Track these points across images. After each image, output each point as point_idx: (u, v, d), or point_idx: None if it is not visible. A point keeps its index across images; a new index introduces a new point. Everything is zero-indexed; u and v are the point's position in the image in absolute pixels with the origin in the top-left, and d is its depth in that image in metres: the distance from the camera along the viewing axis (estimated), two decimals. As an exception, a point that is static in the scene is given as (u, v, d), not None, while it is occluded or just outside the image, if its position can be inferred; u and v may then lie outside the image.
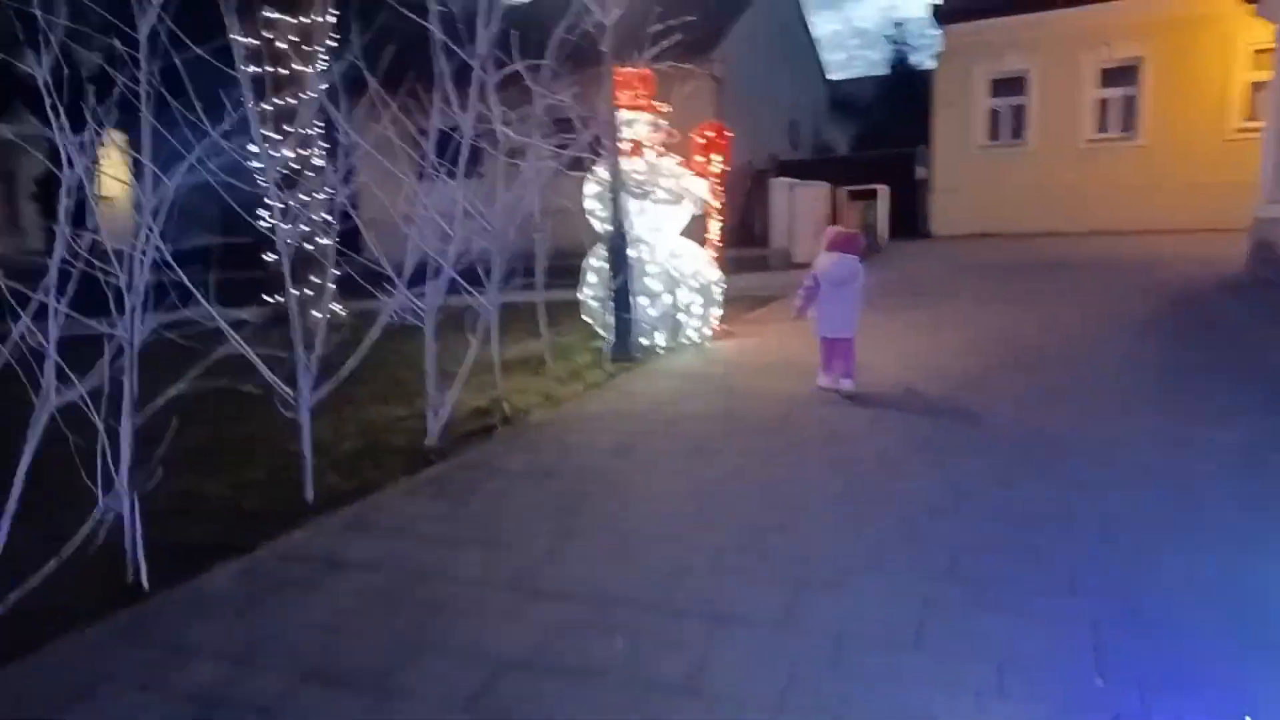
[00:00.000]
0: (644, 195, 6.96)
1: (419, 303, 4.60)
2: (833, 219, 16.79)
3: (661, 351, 7.10)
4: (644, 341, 7.12)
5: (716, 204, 7.66)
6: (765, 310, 9.39)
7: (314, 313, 9.42)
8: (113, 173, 3.69)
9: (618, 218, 6.71)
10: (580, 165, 6.90)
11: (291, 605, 2.86)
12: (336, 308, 9.58)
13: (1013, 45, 19.62)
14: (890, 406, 4.98)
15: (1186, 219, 17.05)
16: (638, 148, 7.16)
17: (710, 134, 7.46)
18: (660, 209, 7.06)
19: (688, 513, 3.46)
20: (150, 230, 3.13)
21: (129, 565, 3.10)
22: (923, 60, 35.45)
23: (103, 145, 3.37)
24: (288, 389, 3.79)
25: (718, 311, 7.57)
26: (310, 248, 9.27)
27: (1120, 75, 19.06)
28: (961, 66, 20.26)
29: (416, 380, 5.79)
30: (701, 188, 7.50)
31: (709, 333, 7.53)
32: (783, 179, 14.93)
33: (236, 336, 3.57)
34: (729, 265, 13.32)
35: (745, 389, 5.62)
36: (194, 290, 3.39)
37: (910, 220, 20.32)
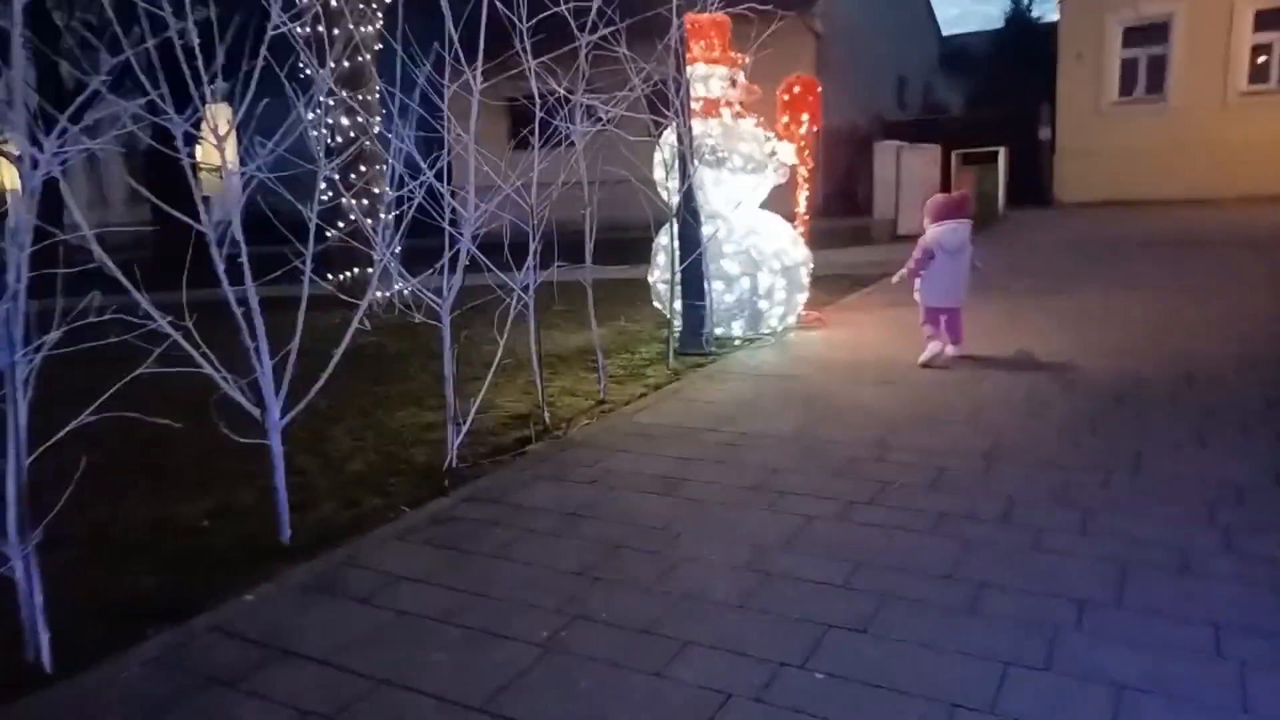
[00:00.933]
0: (718, 163, 6.02)
1: (429, 290, 3.87)
2: (944, 185, 15.36)
3: (738, 344, 6.19)
4: (718, 332, 6.23)
5: (805, 171, 6.65)
6: (865, 293, 8.32)
7: (379, 294, 8.95)
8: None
9: (687, 190, 5.80)
10: (650, 129, 6.03)
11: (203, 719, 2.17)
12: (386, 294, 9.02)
13: (1154, -13, 17.51)
14: (1018, 432, 3.96)
15: (1362, 182, 14.92)
16: (712, 107, 6.21)
17: (797, 89, 6.43)
18: (738, 179, 6.12)
19: (735, 595, 2.60)
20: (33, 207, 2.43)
21: (28, 643, 2.47)
22: (1044, 13, 32.73)
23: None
24: (253, 406, 3.10)
25: (805, 297, 6.60)
26: (370, 221, 8.82)
27: (1283, 17, 16.77)
28: (1091, 14, 18.25)
29: (487, 374, 5.13)
30: (788, 152, 6.50)
31: (794, 322, 6.57)
32: (888, 142, 13.64)
33: (183, 337, 2.89)
34: (826, 239, 12.23)
35: (831, 399, 4.68)
36: (119, 275, 2.72)
37: (1032, 186, 18.57)
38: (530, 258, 4.39)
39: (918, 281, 5.52)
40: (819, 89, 6.53)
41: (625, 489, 3.51)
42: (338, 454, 4.21)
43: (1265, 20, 16.83)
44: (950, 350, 5.43)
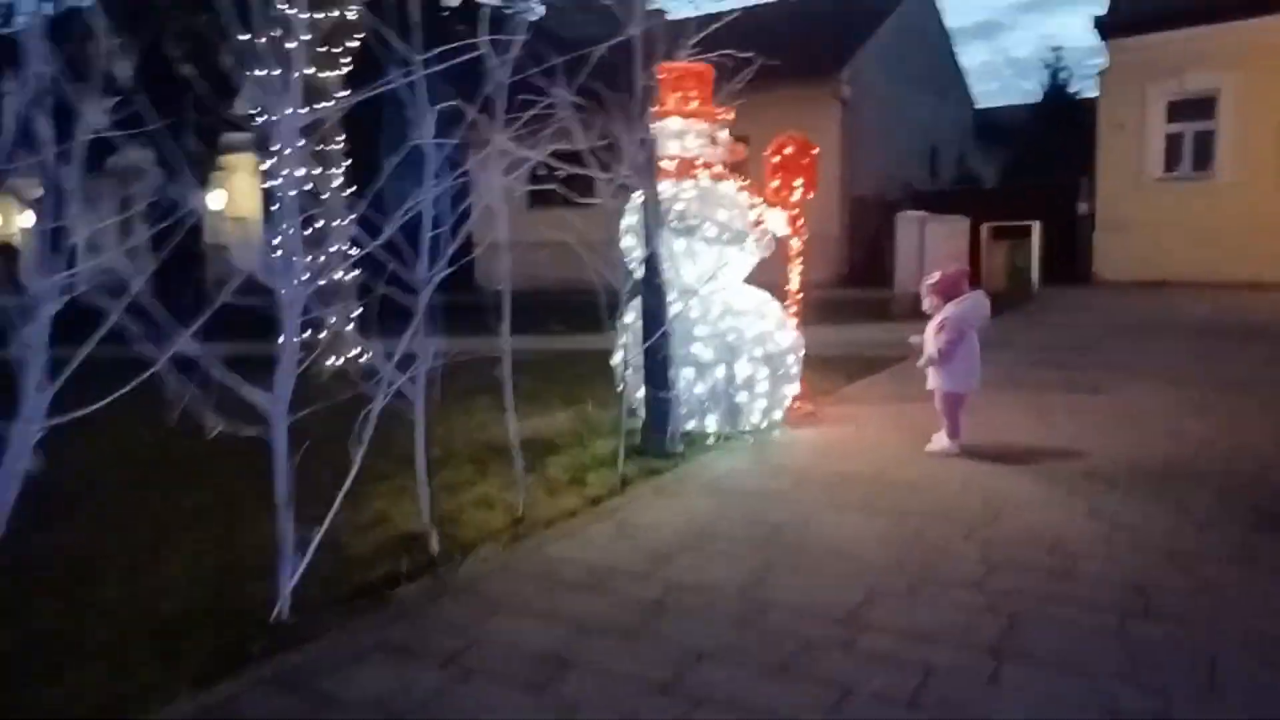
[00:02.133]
0: (688, 231, 5.14)
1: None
2: (973, 259, 14.41)
3: (712, 443, 5.22)
4: (690, 428, 5.28)
5: (799, 243, 5.74)
6: (872, 380, 7.33)
7: (327, 361, 8.15)
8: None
9: (651, 260, 4.92)
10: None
11: None
12: (350, 356, 8.22)
13: (1198, 61, 16.69)
14: (1040, 607, 2.93)
15: None
16: (687, 167, 5.36)
17: (789, 150, 5.57)
18: (713, 250, 5.22)
19: None
20: None
21: None
22: (1082, 88, 31.96)
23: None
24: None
25: (793, 389, 5.63)
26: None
27: (1342, 93, 15.83)
28: (1132, 86, 17.46)
29: (398, 473, 4.31)
30: (777, 221, 5.62)
31: (781, 417, 5.59)
32: (911, 212, 12.76)
33: None
34: (844, 314, 11.29)
35: (801, 533, 3.66)
36: None
37: (1068, 262, 17.57)
38: (414, 324, 3.49)
39: (934, 371, 4.95)
40: (815, 151, 5.66)
41: (485, 678, 2.53)
42: (158, 583, 3.29)
43: (1322, 95, 15.90)
44: (950, 445, 4.90)
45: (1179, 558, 3.24)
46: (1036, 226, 14.97)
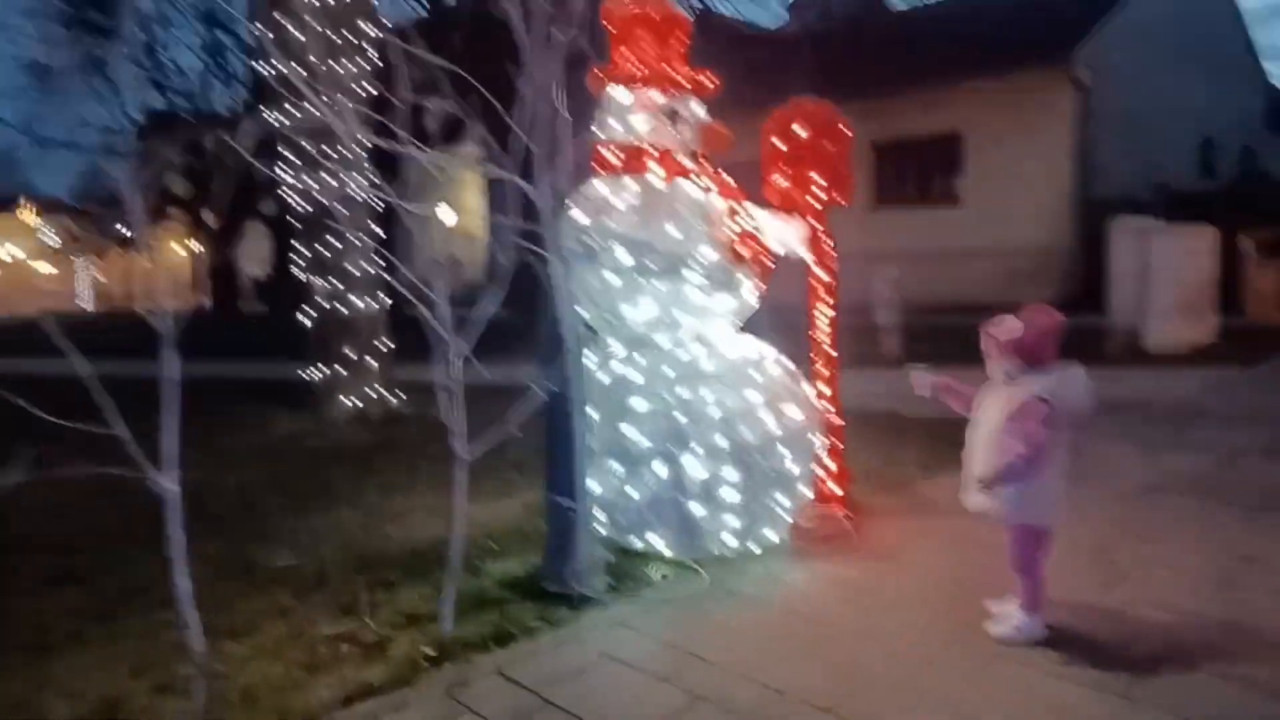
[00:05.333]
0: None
1: None
2: (1229, 285, 10.99)
3: (663, 577, 3.41)
4: (638, 547, 3.53)
5: (825, 274, 3.77)
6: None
7: (343, 399, 7.10)
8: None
9: (550, 302, 3.23)
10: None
11: None
12: (378, 392, 7.12)
13: None
14: None
15: None
16: (637, 158, 3.59)
17: (799, 128, 3.62)
18: (661, 285, 3.40)
19: None
20: None
21: None
22: None
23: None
24: None
25: (797, 495, 3.66)
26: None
27: None
28: None
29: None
30: (788, 237, 3.72)
31: (777, 538, 3.65)
32: (1132, 220, 9.78)
33: None
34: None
35: None
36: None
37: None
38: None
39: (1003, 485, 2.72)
40: (846, 132, 3.67)
41: None
42: None
43: None
44: (1026, 623, 2.80)
45: None
46: (1329, 235, 11.18)
